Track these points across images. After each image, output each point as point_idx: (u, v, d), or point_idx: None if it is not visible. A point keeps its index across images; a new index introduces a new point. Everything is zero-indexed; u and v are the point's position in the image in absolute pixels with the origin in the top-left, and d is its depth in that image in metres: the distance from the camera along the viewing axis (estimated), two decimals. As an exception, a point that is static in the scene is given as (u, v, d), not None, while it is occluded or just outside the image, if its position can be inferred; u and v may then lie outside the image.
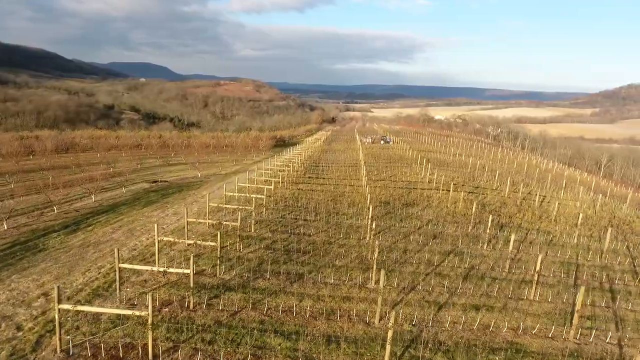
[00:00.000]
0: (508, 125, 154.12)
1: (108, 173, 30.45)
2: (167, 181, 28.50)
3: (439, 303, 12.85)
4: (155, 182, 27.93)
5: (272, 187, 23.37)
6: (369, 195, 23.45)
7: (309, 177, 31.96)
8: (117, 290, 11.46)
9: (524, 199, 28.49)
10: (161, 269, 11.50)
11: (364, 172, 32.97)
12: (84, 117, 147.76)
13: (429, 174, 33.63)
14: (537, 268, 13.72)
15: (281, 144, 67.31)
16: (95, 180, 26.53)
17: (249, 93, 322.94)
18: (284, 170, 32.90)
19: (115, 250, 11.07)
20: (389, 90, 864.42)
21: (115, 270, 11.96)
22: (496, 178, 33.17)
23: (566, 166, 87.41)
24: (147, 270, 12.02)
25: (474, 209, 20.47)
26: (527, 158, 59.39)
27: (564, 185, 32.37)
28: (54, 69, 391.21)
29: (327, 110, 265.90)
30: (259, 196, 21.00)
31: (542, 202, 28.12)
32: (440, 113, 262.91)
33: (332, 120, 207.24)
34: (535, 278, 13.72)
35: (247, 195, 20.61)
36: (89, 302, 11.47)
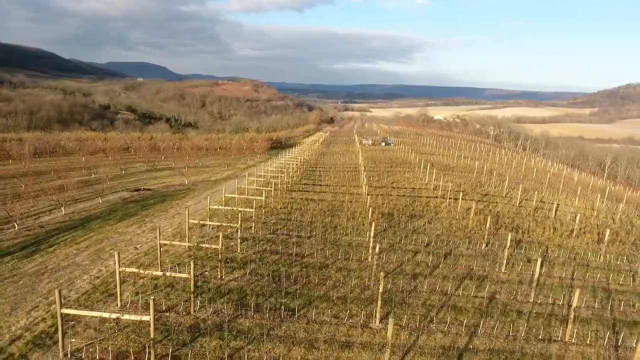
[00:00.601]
0: (509, 125, 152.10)
1: (86, 180, 28.09)
2: (150, 189, 26.15)
3: (458, 349, 10.60)
4: (137, 190, 25.59)
5: (263, 197, 21.08)
6: (370, 207, 21.17)
7: (305, 184, 29.69)
8: (60, 342, 9.16)
9: (537, 207, 26.27)
10: (114, 316, 9.20)
11: (364, 178, 30.74)
12: (77, 117, 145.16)
13: (434, 180, 31.40)
14: (574, 304, 11.49)
15: (278, 146, 65.03)
16: (71, 188, 24.20)
17: (247, 93, 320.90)
18: (277, 177, 30.67)
19: (56, 292, 8.78)
20: (387, 90, 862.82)
21: (67, 310, 9.68)
22: (505, 184, 30.96)
23: (570, 168, 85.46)
24: (97, 316, 9.72)
25: (488, 224, 18.22)
26: (534, 161, 57.20)
27: (578, 191, 30.19)
28: (52, 68, 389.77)
29: (326, 110, 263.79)
30: (248, 210, 18.70)
31: (556, 210, 25.91)
32: (439, 113, 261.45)
33: (331, 121, 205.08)
34: (572, 316, 11.48)
35: (235, 208, 18.35)
36: (24, 357, 9.19)
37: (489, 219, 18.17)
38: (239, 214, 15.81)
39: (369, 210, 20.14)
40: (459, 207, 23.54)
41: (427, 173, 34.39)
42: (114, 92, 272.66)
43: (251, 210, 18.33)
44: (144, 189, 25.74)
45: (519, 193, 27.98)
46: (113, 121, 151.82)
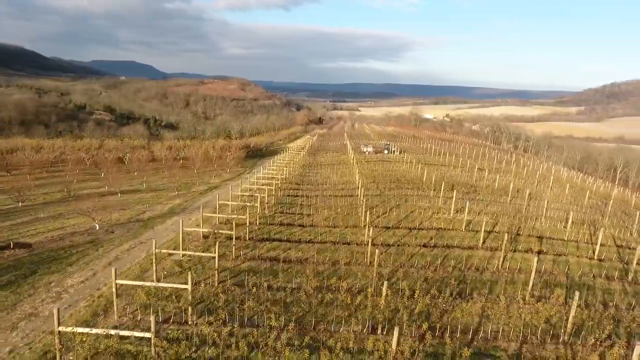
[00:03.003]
0: (507, 125, 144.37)
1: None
2: (28, 245, 16.35)
3: None
4: (4, 248, 15.84)
5: (189, 286, 11.60)
6: (383, 305, 11.68)
7: (280, 226, 20.22)
8: None
9: (625, 260, 17.18)
10: None
11: (365, 210, 21.41)
12: (44, 118, 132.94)
13: (466, 214, 22.25)
14: None
15: (257, 154, 55.38)
16: None
17: (234, 92, 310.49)
18: (244, 210, 21.30)
19: None
20: (377, 88, 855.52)
21: None
22: (569, 222, 21.91)
23: (578, 172, 77.65)
24: None
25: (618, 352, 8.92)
26: (577, 176, 48.16)
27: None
28: (32, 67, 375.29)
29: (314, 110, 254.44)
30: (141, 336, 9.13)
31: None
32: (429, 112, 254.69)
33: (319, 121, 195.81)
34: None
35: (114, 333, 8.81)
36: None
37: (624, 352, 8.84)
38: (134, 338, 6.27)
39: (385, 312, 10.78)
40: (521, 269, 14.28)
41: (451, 199, 25.25)
42: (93, 91, 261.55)
43: (166, 312, 8.76)
44: (15, 246, 15.89)
45: (599, 239, 18.88)
46: (83, 122, 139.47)
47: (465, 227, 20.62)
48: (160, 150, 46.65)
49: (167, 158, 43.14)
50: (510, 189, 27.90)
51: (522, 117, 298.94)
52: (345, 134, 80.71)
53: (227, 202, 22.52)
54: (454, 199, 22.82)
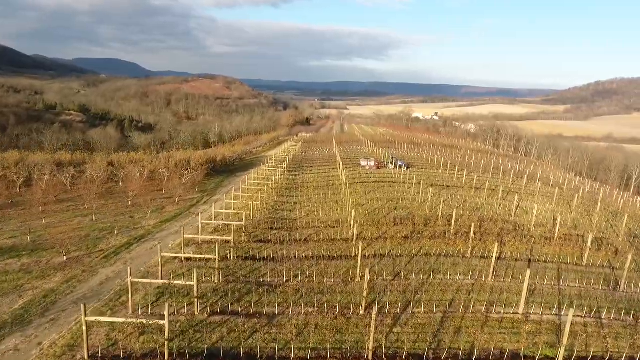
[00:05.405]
0: (506, 126, 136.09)
1: None
2: None
3: None
4: None
5: None
6: None
7: (222, 342, 10.22)
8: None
9: None
10: None
11: (370, 309, 11.59)
12: (2, 120, 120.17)
13: (532, 296, 12.64)
14: None
15: (226, 169, 45.21)
16: None
17: (218, 90, 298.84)
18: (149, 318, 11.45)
19: None
20: (364, 87, 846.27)
21: None
22: None
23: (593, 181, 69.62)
24: None
25: None
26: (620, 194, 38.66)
27: None
28: (9, 64, 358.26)
29: (301, 110, 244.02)
30: None
31: None
32: (418, 111, 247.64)
33: (306, 122, 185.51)
34: None
35: None
36: None
37: None
38: None
39: None
40: None
41: (502, 262, 15.66)
42: (70, 90, 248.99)
43: None
44: None
45: None
46: (48, 124, 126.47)
47: (560, 347, 10.89)
48: (100, 166, 36.05)
49: (100, 180, 32.51)
50: (589, 243, 18.22)
51: (511, 115, 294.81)
52: (334, 140, 70.72)
53: (153, 264, 12.40)
54: (526, 283, 13.03)
